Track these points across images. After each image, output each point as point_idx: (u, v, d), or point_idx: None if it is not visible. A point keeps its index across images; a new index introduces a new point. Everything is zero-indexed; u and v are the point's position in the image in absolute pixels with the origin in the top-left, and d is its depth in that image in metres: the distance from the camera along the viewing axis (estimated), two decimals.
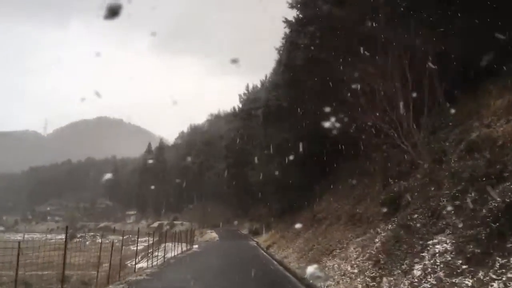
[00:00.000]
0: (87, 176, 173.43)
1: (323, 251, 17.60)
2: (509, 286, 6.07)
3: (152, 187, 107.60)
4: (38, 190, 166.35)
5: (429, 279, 7.74)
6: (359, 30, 13.57)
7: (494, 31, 11.15)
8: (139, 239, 29.66)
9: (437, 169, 11.20)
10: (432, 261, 8.06)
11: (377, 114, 12.76)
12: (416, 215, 10.01)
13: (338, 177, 29.09)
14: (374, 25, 13.08)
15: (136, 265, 22.50)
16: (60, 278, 19.80)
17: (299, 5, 24.55)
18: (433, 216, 9.40)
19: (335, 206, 24.72)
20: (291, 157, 33.65)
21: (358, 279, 10.69)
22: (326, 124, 22.70)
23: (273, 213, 47.66)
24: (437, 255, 8.07)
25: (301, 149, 31.45)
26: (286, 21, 29.33)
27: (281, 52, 31.50)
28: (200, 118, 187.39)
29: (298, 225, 30.08)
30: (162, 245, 29.62)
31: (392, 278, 8.91)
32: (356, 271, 11.49)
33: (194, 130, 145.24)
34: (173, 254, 28.14)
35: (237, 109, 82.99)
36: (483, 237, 7.16)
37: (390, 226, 12.08)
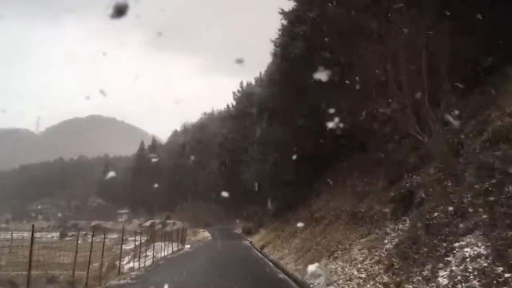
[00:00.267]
0: (79, 174, 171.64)
1: (323, 252, 16.35)
2: None
3: (145, 185, 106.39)
4: (29, 188, 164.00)
5: None
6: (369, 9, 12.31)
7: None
8: (130, 238, 28.46)
9: (454, 162, 9.98)
10: (462, 267, 6.83)
11: (390, 100, 11.50)
12: (436, 214, 8.77)
13: (336, 174, 27.92)
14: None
15: (125, 266, 21.35)
16: (48, 278, 20.00)
17: None
18: (457, 214, 8.18)
19: (333, 204, 23.53)
20: (287, 154, 32.54)
21: (368, 286, 9.46)
22: (327, 116, 21.57)
23: (267, 212, 46.56)
24: (467, 260, 6.84)
25: (297, 146, 30.42)
26: (283, 12, 28.22)
27: (277, 44, 30.21)
28: (194, 116, 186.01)
29: (294, 225, 28.94)
30: (153, 245, 28.41)
31: (411, 286, 7.67)
32: (364, 275, 10.25)
33: (188, 128, 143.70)
34: (163, 255, 26.90)
35: (231, 107, 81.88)
36: None
37: (401, 225, 10.85)
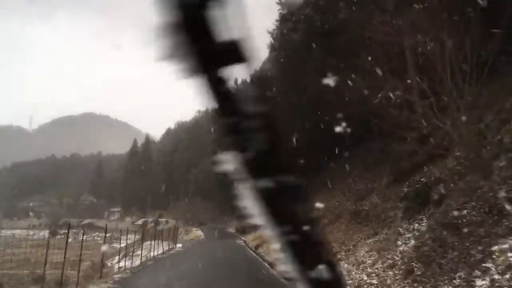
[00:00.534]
0: (71, 172, 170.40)
1: None
2: None
3: (138, 183, 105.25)
4: (21, 186, 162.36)
5: None
6: None
7: None
8: (121, 237, 27.32)
9: (479, 153, 8.75)
10: (507, 276, 5.60)
11: (408, 81, 10.22)
12: (465, 211, 7.52)
13: (334, 172, 26.70)
14: None
15: (115, 265, 20.18)
16: (34, 277, 19.08)
17: None
18: (492, 212, 6.95)
19: (332, 203, 22.31)
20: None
21: None
22: (328, 109, 20.38)
23: None
24: None
25: (292, 142, 29.23)
26: (280, 2, 27.20)
27: (274, 35, 29.00)
28: (188, 115, 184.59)
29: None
30: (141, 245, 27.10)
31: None
32: (375, 281, 9.00)
33: (181, 126, 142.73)
34: (153, 254, 25.57)
35: None
36: None
37: (417, 225, 9.62)
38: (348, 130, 24.04)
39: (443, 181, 9.45)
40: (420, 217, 9.76)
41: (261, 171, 0.83)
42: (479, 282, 5.95)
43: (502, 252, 6.02)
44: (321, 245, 0.91)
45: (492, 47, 8.53)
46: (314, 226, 0.90)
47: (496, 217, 6.78)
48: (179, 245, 34.80)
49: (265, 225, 0.88)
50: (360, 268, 10.49)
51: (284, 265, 0.88)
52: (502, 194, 6.99)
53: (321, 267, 0.82)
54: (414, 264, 7.75)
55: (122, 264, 21.41)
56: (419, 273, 7.42)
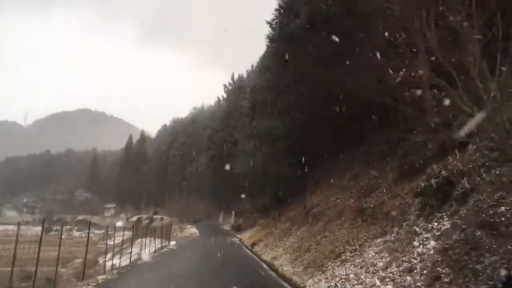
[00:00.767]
0: (66, 168, 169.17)
1: (326, 254, 14.00)
2: None
3: (133, 180, 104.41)
4: (15, 181, 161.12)
5: None
6: None
7: None
8: (115, 234, 26.26)
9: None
10: None
11: (432, 58, 9.06)
12: (503, 208, 6.40)
13: (334, 167, 25.63)
14: None
15: (102, 264, 19.10)
16: (21, 275, 17.63)
17: None
18: None
19: (333, 199, 21.23)
20: (280, 146, 30.33)
21: None
22: (330, 99, 19.29)
23: (258, 207, 44.33)
24: None
25: (291, 137, 28.22)
26: None
27: (273, 25, 27.85)
28: (184, 111, 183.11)
29: (287, 222, 26.66)
30: (138, 241, 26.03)
31: None
32: (391, 287, 7.88)
33: (177, 123, 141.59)
34: (145, 253, 24.48)
35: (221, 100, 79.65)
36: None
37: (437, 224, 8.50)
38: (349, 122, 23.15)
39: (466, 174, 8.34)
40: (439, 214, 8.63)
41: None
42: None
43: None
44: None
45: None
46: None
47: None
48: (172, 243, 33.66)
49: None
50: (371, 272, 9.37)
51: None
52: None
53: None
54: (441, 269, 6.62)
55: (114, 261, 20.51)
56: (447, 279, 6.29)
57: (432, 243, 7.97)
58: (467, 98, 7.95)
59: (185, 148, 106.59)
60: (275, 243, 24.24)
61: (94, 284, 13.22)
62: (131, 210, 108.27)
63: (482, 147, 8.57)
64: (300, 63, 21.33)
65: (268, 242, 25.97)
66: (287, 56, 22.99)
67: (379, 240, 11.13)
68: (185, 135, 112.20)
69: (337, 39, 14.50)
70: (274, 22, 27.48)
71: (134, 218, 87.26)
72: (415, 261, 7.98)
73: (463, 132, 8.64)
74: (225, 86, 76.52)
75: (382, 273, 8.71)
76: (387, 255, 9.57)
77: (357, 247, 12.19)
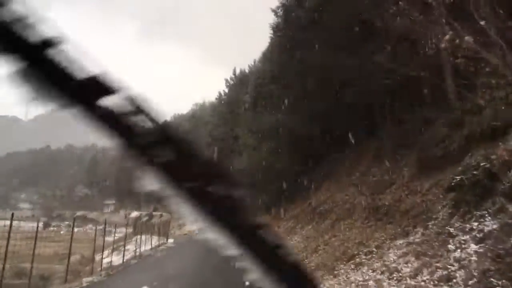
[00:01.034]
0: (66, 163, 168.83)
1: (337, 256, 12.67)
2: None
3: (132, 176, 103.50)
4: (15, 176, 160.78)
5: None
6: None
7: None
8: (114, 230, 25.21)
9: None
10: None
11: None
12: None
13: (342, 161, 24.34)
14: None
15: (98, 261, 18.01)
16: (16, 271, 17.99)
17: None
18: None
19: (341, 196, 19.91)
20: (284, 140, 29.08)
21: None
22: (340, 89, 18.00)
23: (259, 205, 42.98)
24: None
25: (295, 131, 26.98)
26: None
27: (278, 13, 26.47)
28: (186, 108, 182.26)
29: (291, 219, 25.38)
30: (134, 238, 24.87)
31: None
32: None
33: (178, 118, 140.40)
34: (141, 250, 23.25)
35: (223, 95, 78.16)
36: None
37: (477, 224, 7.16)
38: (359, 114, 21.83)
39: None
40: (479, 213, 7.30)
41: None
42: None
43: None
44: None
45: None
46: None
47: None
48: (170, 241, 32.39)
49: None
50: (395, 278, 8.03)
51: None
52: None
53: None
54: (494, 280, 5.33)
55: (109, 259, 19.74)
56: None
57: (473, 246, 6.65)
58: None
59: None
60: None
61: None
62: (131, 206, 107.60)
63: None
64: (308, 50, 19.97)
65: None
66: (290, 45, 21.75)
67: (400, 241, 9.81)
68: (185, 131, 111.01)
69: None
70: (279, 10, 26.07)
71: (133, 215, 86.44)
72: (452, 268, 6.65)
73: None
74: (226, 80, 74.98)
75: (410, 281, 7.36)
76: (413, 259, 8.24)
77: (374, 248, 10.86)
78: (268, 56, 38.05)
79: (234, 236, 0.84)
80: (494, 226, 6.51)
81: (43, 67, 0.70)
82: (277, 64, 28.67)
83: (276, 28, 27.44)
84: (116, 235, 23.94)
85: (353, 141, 21.62)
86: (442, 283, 6.53)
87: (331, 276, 11.28)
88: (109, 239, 22.81)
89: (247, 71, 70.39)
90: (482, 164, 7.87)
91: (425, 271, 7.31)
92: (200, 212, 0.83)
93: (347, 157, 23.56)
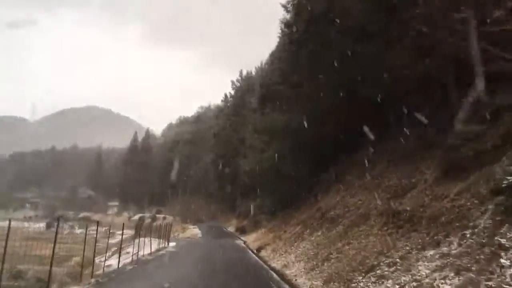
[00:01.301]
0: (70, 164, 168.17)
1: (354, 266, 11.35)
2: None
3: (136, 178, 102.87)
4: (19, 176, 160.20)
5: None
6: None
7: None
8: (117, 232, 24.13)
9: None
10: None
11: None
12: None
13: (352, 164, 23.05)
14: None
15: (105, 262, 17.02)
16: (12, 273, 17.17)
17: None
18: None
19: (354, 201, 18.64)
20: (291, 142, 27.88)
21: None
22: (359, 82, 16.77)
23: (264, 209, 41.81)
24: None
25: (303, 132, 25.78)
26: None
27: (288, 8, 25.32)
28: (190, 111, 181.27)
29: (298, 224, 24.05)
30: (136, 241, 23.68)
31: None
32: None
33: (183, 121, 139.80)
34: (140, 255, 22.01)
35: (229, 96, 77.20)
36: None
37: None
38: (369, 113, 20.50)
39: None
40: None
41: None
42: None
43: None
44: None
45: None
46: None
47: None
48: (172, 244, 31.08)
49: None
50: None
51: None
52: None
53: None
54: None
55: (109, 262, 18.76)
56: None
57: None
58: None
59: (190, 146, 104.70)
60: (284, 249, 21.63)
61: None
62: (134, 209, 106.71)
63: None
64: (321, 45, 18.72)
65: (277, 247, 23.35)
66: (302, 39, 20.48)
67: (431, 252, 8.49)
68: (190, 134, 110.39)
69: None
70: (290, 4, 24.90)
71: (137, 217, 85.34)
72: None
73: None
74: (232, 82, 74.19)
75: None
76: (452, 274, 6.93)
77: (398, 259, 9.55)
78: (276, 55, 36.98)
79: None
80: None
81: None
82: (286, 62, 27.52)
83: (286, 24, 26.26)
84: (118, 237, 22.92)
85: (371, 137, 20.24)
86: None
87: None
88: (111, 241, 21.75)
89: (253, 73, 69.46)
90: None
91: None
92: None
93: (358, 160, 22.20)
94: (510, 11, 9.57)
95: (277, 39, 33.98)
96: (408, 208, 12.11)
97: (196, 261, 20.14)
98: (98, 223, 30.47)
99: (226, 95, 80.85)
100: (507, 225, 6.73)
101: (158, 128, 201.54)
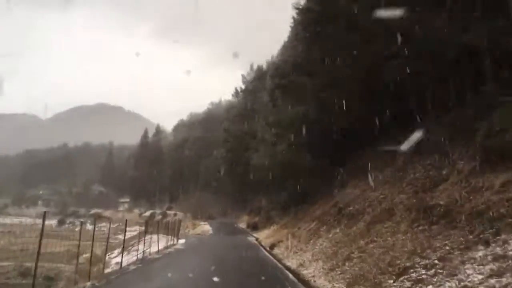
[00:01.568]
0: (82, 161, 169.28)
1: (382, 267, 10.03)
2: None
3: (147, 175, 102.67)
4: (32, 173, 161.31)
5: None
6: None
7: None
8: (128, 229, 23.34)
9: None
10: None
11: None
12: None
13: (370, 156, 21.62)
14: None
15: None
16: (20, 271, 18.02)
17: None
18: None
19: (375, 195, 17.24)
20: (306, 134, 26.55)
21: None
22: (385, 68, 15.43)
23: (276, 205, 40.65)
24: None
25: (320, 122, 24.53)
26: None
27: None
28: (201, 107, 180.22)
29: (313, 221, 22.78)
30: (147, 237, 22.89)
31: None
32: None
33: (194, 117, 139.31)
34: (144, 254, 20.96)
35: (239, 91, 76.12)
36: None
37: None
38: (390, 101, 19.14)
39: None
40: None
41: None
42: None
43: None
44: None
45: None
46: None
47: None
48: (181, 241, 30.02)
49: None
50: None
51: None
52: None
53: None
54: None
55: (118, 260, 18.57)
56: None
57: None
58: None
59: (200, 142, 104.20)
60: (299, 246, 20.35)
61: None
62: (145, 205, 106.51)
63: None
64: (339, 28, 17.33)
65: (291, 244, 22.07)
66: (319, 21, 19.12)
67: (481, 253, 7.18)
68: (201, 129, 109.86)
69: None
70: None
71: (147, 213, 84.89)
72: None
73: None
74: (243, 76, 73.22)
75: None
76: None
77: (436, 261, 8.21)
78: (289, 45, 35.82)
79: None
80: None
81: None
82: (301, 50, 26.21)
83: (300, 8, 24.91)
84: (128, 233, 22.10)
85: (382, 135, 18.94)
86: None
87: None
88: (121, 237, 20.96)
89: (264, 66, 68.26)
90: None
91: None
92: None
93: (378, 152, 20.78)
94: None
95: (289, 30, 32.91)
96: (441, 203, 10.76)
97: (204, 261, 18.92)
98: (110, 221, 29.96)
99: (237, 90, 79.84)
100: None
101: (169, 124, 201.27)
